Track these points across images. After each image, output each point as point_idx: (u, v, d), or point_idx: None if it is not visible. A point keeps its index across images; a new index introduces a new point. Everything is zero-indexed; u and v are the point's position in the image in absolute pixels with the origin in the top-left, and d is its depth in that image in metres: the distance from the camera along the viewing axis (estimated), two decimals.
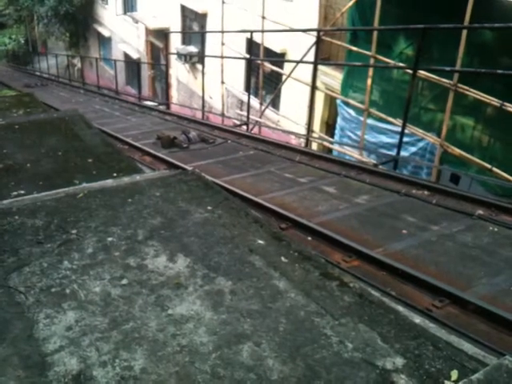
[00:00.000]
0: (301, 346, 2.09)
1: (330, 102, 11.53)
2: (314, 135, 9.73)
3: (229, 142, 7.92)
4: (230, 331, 2.16)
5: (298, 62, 9.51)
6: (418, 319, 2.36)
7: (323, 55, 10.71)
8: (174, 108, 14.71)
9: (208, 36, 14.87)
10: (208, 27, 15.95)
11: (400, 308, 2.47)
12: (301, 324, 2.22)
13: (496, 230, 4.47)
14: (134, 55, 21.04)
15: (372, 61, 8.33)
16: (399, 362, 2.02)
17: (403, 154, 7.79)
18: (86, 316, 2.22)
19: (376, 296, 2.45)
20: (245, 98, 12.11)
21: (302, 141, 10.20)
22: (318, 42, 8.33)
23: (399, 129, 7.02)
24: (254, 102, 11.96)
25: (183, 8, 17.59)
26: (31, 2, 24.83)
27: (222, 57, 11.92)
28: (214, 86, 13.82)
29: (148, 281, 2.51)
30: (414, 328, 2.23)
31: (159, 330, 2.16)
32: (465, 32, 6.77)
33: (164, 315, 2.25)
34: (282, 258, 2.74)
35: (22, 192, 3.76)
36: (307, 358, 2.03)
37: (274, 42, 12.17)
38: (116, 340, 2.09)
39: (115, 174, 4.13)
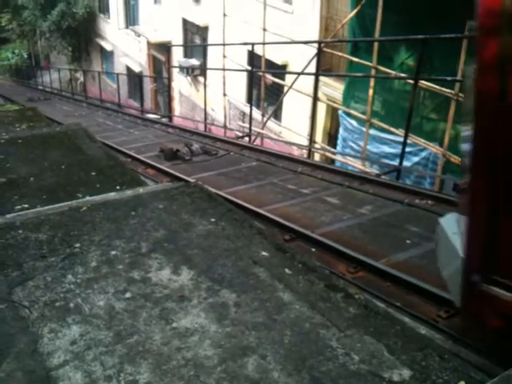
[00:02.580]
0: (306, 358, 2.08)
1: (332, 113, 11.57)
2: (316, 146, 9.74)
3: (231, 153, 7.94)
4: (235, 344, 2.15)
5: (299, 74, 9.55)
6: (423, 330, 2.35)
7: (324, 66, 10.77)
8: (177, 120, 14.77)
9: (210, 49, 14.97)
10: (209, 40, 16.06)
11: (406, 319, 2.46)
12: (306, 336, 2.20)
13: None
14: (136, 69, 21.18)
15: (373, 71, 8.35)
16: (406, 373, 2.01)
17: (406, 164, 7.78)
18: (90, 330, 2.22)
19: (381, 307, 2.44)
20: (247, 109, 12.16)
21: (305, 152, 10.21)
22: (319, 54, 8.37)
23: (401, 139, 7.02)
24: (256, 114, 11.99)
25: (185, 21, 17.73)
26: (34, 16, 25.03)
27: (223, 69, 11.98)
28: (216, 98, 13.88)
29: (152, 294, 2.50)
30: (421, 339, 2.22)
31: (164, 343, 2.15)
32: (466, 41, 6.79)
33: (168, 328, 2.24)
34: (287, 270, 2.73)
35: (26, 206, 3.77)
36: (313, 371, 2.01)
37: (275, 54, 12.23)
38: (121, 354, 2.08)
39: (118, 187, 4.14)
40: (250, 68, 11.60)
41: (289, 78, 11.17)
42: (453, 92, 7.11)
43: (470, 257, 2.30)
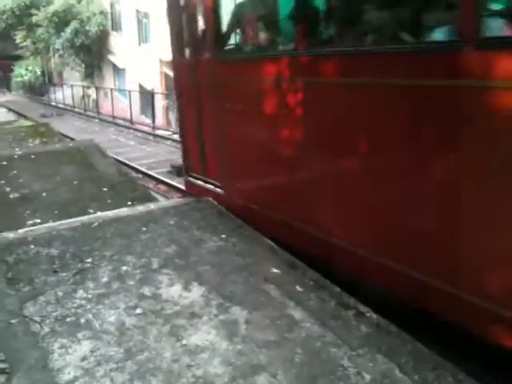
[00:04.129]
0: (317, 377, 2.05)
1: None
2: None
3: None
4: (246, 362, 2.13)
5: None
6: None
7: None
8: None
9: None
10: None
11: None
12: (317, 354, 2.18)
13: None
14: (148, 86, 21.34)
15: None
16: None
17: None
18: (100, 346, 2.21)
19: (393, 326, 2.41)
20: None
21: None
22: None
23: None
24: None
25: None
26: (48, 34, 25.37)
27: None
28: None
29: (162, 310, 2.49)
30: (433, 359, 2.18)
31: (174, 360, 2.13)
32: None
33: (179, 345, 2.23)
34: (298, 287, 2.72)
35: (38, 221, 3.79)
36: None
37: None
38: (131, 370, 2.07)
39: (130, 203, 4.16)
40: None
41: None
42: None
43: (183, 163, 4.66)
